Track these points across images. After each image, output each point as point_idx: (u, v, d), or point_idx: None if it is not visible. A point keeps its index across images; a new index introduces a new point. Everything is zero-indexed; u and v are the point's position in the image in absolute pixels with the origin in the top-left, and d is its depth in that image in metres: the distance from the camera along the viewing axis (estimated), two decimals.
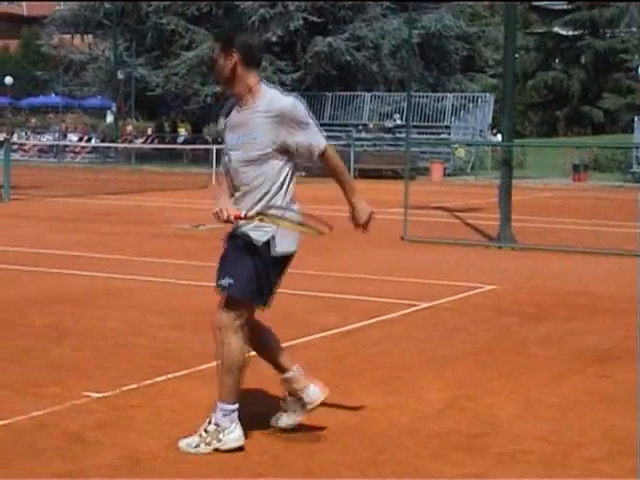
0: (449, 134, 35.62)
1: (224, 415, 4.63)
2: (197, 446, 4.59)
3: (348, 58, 35.87)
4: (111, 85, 40.84)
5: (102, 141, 41.17)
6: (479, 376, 6.37)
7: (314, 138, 4.59)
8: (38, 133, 45.55)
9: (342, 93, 37.67)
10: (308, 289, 10.06)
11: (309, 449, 4.91)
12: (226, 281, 4.51)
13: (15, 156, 27.22)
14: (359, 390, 6.01)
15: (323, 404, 5.25)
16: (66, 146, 40.79)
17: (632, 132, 34.76)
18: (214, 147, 28.05)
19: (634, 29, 51.54)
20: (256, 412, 4.97)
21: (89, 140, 41.83)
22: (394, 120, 36.28)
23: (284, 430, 4.79)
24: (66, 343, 7.52)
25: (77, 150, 40.04)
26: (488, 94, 38.00)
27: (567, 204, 22.90)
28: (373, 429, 5.28)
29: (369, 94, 37.43)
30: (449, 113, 36.06)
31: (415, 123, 33.27)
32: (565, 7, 52.72)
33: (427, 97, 36.81)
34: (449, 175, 32.91)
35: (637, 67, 41.11)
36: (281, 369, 4.85)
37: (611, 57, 50.11)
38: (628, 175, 31.41)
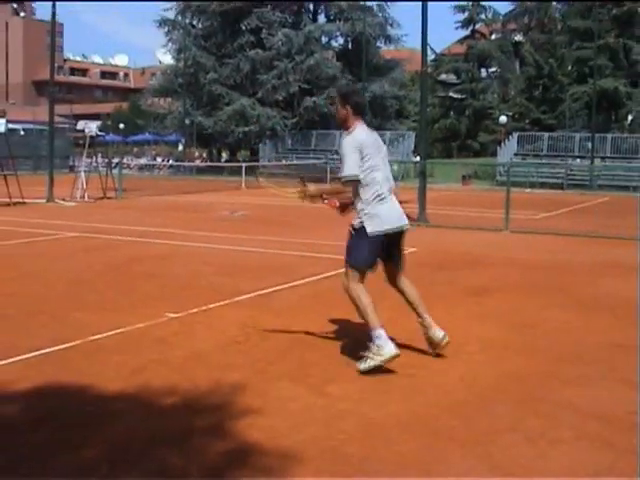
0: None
1: (377, 338, 5.81)
2: (368, 364, 5.82)
3: (325, 110, 44.59)
4: (181, 127, 49.74)
5: (176, 161, 47.61)
6: (404, 303, 6.84)
7: (343, 167, 6.06)
8: (137, 157, 52.55)
9: (322, 131, 46.26)
10: (300, 251, 12.65)
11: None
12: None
13: (124, 172, 29.19)
14: (332, 312, 7.70)
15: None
16: (154, 165, 48.63)
17: (496, 156, 42.74)
18: (243, 165, 35.00)
19: (495, 95, 61.48)
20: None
21: (168, 161, 49.06)
22: None
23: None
24: (153, 282, 9.55)
25: (160, 167, 47.72)
26: (411, 132, 46.31)
27: (458, 199, 27.11)
28: (338, 336, 6.88)
29: (338, 132, 39.55)
30: (388, 143, 40.63)
31: None
32: (456, 81, 63.75)
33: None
34: None
35: (497, 117, 51.24)
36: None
37: (483, 111, 61.28)
38: (494, 181, 36.59)
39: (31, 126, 54.95)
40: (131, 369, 6.01)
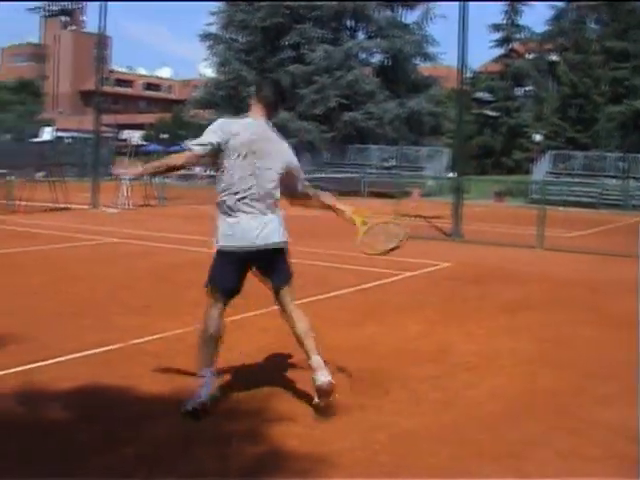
0: (424, 171, 42.29)
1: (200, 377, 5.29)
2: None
3: (363, 125, 45.16)
4: None
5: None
6: (439, 316, 7.94)
7: None
8: None
9: (359, 145, 46.05)
10: (334, 262, 12.84)
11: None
12: None
13: (166, 180, 29.15)
14: (367, 323, 7.97)
15: (352, 329, 7.45)
16: (194, 174, 47.87)
17: (530, 173, 43.38)
18: None
19: (529, 114, 60.47)
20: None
21: (207, 171, 45.22)
22: (390, 162, 43.55)
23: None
24: (193, 288, 8.99)
25: (201, 177, 47.17)
26: (446, 148, 45.21)
27: (492, 215, 26.69)
28: (373, 348, 6.96)
29: (375, 146, 45.63)
30: (423, 159, 44.45)
31: (403, 164, 41.42)
32: (491, 99, 62.30)
33: (410, 149, 44.93)
34: (423, 196, 36.75)
35: (531, 135, 52.12)
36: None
37: (517, 129, 60.94)
38: (528, 199, 35.36)
39: (77, 134, 55.74)
40: (171, 373, 6.15)
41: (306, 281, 10.63)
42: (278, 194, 5.47)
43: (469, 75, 56.87)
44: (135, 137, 26.87)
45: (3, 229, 17.42)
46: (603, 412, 5.61)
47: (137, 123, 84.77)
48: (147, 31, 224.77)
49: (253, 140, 5.33)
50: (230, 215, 5.32)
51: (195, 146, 5.24)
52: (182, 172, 48.52)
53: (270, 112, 5.56)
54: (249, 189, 5.30)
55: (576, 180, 38.24)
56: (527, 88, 65.79)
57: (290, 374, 6.24)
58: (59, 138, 41.89)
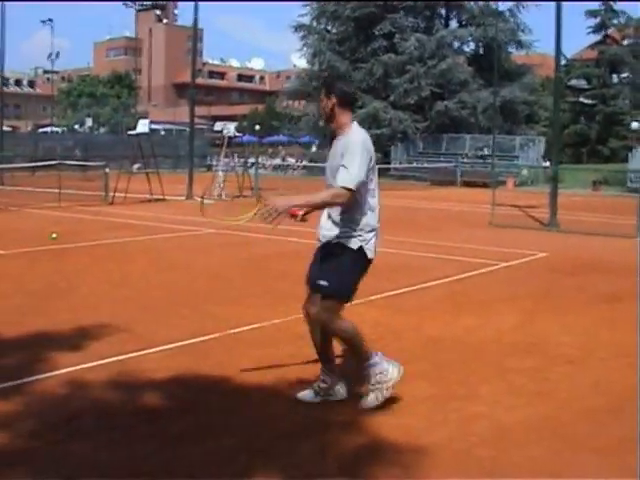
0: (518, 160, 42.70)
1: (376, 365, 5.06)
2: (376, 396, 5.07)
3: (456, 114, 45.84)
4: (315, 129, 52.06)
5: (309, 162, 48.25)
6: (536, 307, 7.86)
7: (345, 172, 4.71)
8: (272, 158, 52.72)
9: (452, 135, 46.24)
10: (431, 252, 12.90)
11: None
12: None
13: (260, 171, 29.97)
14: (464, 314, 7.76)
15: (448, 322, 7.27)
16: (288, 165, 50.00)
17: (627, 162, 42.39)
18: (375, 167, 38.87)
19: (626, 101, 59.99)
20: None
21: (302, 162, 49.96)
22: (484, 151, 43.75)
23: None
24: (289, 278, 9.55)
25: (295, 167, 49.01)
26: (541, 137, 46.27)
27: (588, 205, 26.31)
28: (470, 338, 6.86)
29: (469, 135, 45.96)
30: (517, 148, 44.53)
31: (497, 153, 40.83)
32: (587, 87, 62.71)
33: (504, 138, 44.83)
34: (517, 186, 38.11)
35: (629, 123, 51.85)
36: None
37: (613, 117, 60.35)
38: (625, 187, 36.07)
39: (171, 126, 56.87)
40: (269, 362, 6.18)
41: (405, 271, 10.80)
42: None
43: (564, 62, 56.89)
44: (230, 129, 27.01)
45: (100, 220, 17.89)
46: None
47: (230, 114, 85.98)
48: (239, 23, 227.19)
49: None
50: (373, 230, 5.14)
51: (356, 185, 4.84)
52: (277, 162, 49.56)
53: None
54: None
55: None
56: (623, 75, 64.58)
57: None
58: (153, 130, 42.63)
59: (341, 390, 5.34)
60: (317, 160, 47.57)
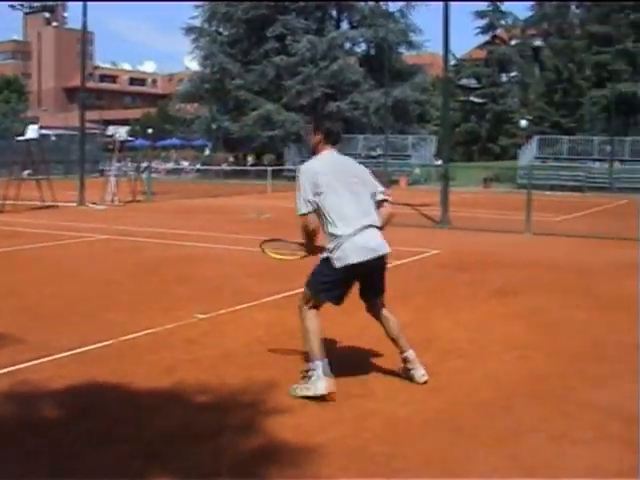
0: (411, 159, 43.74)
1: (315, 369, 5.37)
2: (299, 391, 5.41)
3: (349, 114, 45.72)
4: (208, 132, 52.12)
5: (202, 165, 48.48)
6: (429, 304, 8.00)
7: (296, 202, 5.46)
8: (165, 161, 53.54)
9: (346, 135, 42.25)
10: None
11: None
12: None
13: (153, 175, 30.60)
14: (358, 313, 6.63)
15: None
16: (182, 168, 49.99)
17: (516, 159, 43.67)
18: (269, 168, 34.99)
19: (515, 99, 62.39)
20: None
21: (195, 165, 49.99)
22: (377, 151, 44.07)
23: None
24: (182, 283, 9.82)
25: (188, 171, 48.98)
26: (432, 136, 47.23)
27: (480, 202, 27.26)
28: (365, 337, 6.88)
29: (362, 136, 46.27)
30: (410, 147, 45.31)
31: (390, 153, 41.75)
32: (477, 86, 63.98)
33: (396, 137, 45.60)
34: (410, 184, 39.45)
35: (518, 121, 53.49)
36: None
37: (503, 115, 62.74)
38: (515, 184, 36.36)
39: (63, 131, 55.61)
40: (163, 368, 6.13)
41: (305, 272, 10.68)
42: None
43: (454, 62, 58.89)
44: (121, 133, 26.64)
45: None
46: (596, 395, 5.61)
47: (122, 118, 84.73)
48: (129, 26, 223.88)
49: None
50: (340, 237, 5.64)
51: (303, 212, 5.59)
52: (170, 166, 49.32)
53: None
54: None
55: (563, 164, 39.06)
56: (512, 74, 66.75)
57: (283, 366, 6.23)
58: (44, 136, 41.65)
59: (417, 370, 5.79)
60: (210, 163, 48.30)
